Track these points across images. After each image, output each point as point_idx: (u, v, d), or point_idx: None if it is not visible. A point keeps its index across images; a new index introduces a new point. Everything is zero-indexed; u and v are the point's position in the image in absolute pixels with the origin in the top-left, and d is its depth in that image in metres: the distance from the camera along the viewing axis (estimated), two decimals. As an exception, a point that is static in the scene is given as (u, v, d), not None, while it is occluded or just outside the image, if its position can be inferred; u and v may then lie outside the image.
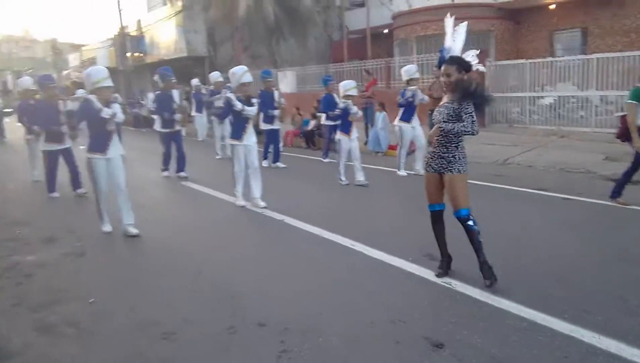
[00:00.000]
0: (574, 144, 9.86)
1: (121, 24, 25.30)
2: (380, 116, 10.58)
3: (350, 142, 7.45)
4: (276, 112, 9.08)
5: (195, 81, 14.33)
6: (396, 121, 8.15)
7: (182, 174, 8.59)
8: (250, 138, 6.24)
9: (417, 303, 3.49)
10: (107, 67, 21.72)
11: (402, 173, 8.14)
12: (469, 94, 3.55)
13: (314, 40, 25.57)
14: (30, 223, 6.13)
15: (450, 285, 3.71)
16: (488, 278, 3.59)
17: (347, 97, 7.30)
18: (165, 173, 8.88)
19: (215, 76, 11.38)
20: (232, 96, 6.11)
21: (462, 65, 3.63)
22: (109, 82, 5.13)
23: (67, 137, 7.23)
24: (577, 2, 16.63)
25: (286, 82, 19.64)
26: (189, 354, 2.92)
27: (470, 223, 3.60)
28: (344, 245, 4.74)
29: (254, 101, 6.32)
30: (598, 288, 3.60)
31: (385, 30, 22.35)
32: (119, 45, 26.16)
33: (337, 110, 7.48)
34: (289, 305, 3.50)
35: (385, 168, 8.91)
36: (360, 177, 7.45)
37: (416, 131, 8.10)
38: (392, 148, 10.62)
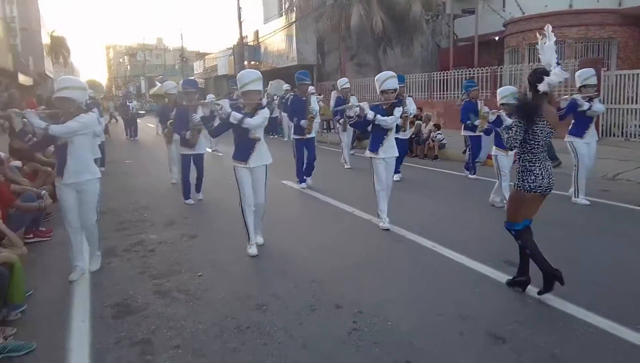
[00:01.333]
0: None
1: (241, 34, 27.25)
2: (480, 126, 10.45)
3: (509, 159, 6.39)
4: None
5: (311, 89, 14.02)
6: (567, 137, 6.79)
7: (308, 180, 8.23)
8: (389, 150, 5.57)
9: (488, 303, 3.65)
10: (224, 75, 23.46)
11: (582, 200, 6.61)
12: (516, 108, 3.68)
13: (421, 48, 25.56)
14: (155, 208, 7.11)
15: (524, 290, 3.80)
16: (545, 288, 3.56)
17: (503, 106, 6.15)
18: (303, 185, 8.15)
19: (343, 82, 10.60)
20: (365, 105, 5.39)
21: (530, 78, 3.65)
22: (256, 86, 4.72)
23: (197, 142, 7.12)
24: None
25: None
26: (274, 322, 3.40)
27: (514, 235, 3.70)
28: (426, 246, 4.97)
29: (397, 110, 5.46)
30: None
31: (496, 38, 21.73)
32: (238, 54, 28.15)
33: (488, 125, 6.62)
34: (365, 293, 3.84)
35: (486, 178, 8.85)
36: (496, 197, 6.59)
37: (591, 149, 6.72)
38: (490, 158, 10.47)
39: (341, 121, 10.03)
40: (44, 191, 5.66)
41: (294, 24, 24.28)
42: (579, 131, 6.65)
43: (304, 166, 8.19)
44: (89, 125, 4.21)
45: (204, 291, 4.00)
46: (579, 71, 6.89)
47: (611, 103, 12.11)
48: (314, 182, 8.37)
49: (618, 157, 9.89)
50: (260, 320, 3.44)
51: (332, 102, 8.20)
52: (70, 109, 4.10)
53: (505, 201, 5.77)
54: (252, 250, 4.83)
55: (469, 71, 16.59)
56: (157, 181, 9.44)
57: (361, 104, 5.44)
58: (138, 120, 20.97)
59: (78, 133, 4.10)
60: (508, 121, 5.74)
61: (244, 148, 4.79)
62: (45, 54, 30.48)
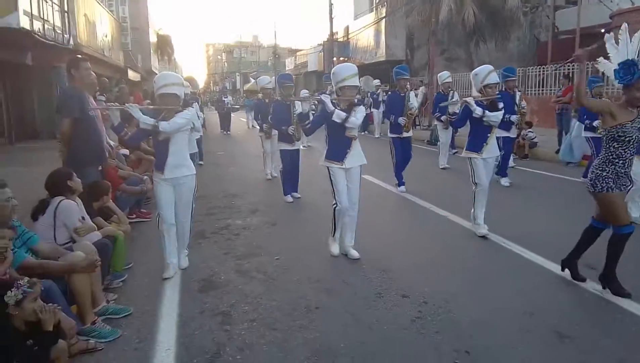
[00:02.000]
0: None
1: (331, 30, 27.69)
2: (575, 124, 9.88)
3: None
4: (514, 117, 7.74)
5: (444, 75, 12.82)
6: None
7: (402, 188, 7.62)
8: (493, 150, 5.26)
9: (559, 302, 3.58)
10: (314, 71, 23.87)
11: None
12: None
13: (518, 41, 24.37)
14: (242, 196, 7.61)
15: (600, 293, 3.67)
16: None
17: None
18: (402, 188, 7.59)
19: (444, 76, 9.92)
20: (471, 100, 5.08)
21: None
22: (354, 81, 4.53)
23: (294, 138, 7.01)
24: None
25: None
26: (342, 306, 3.60)
27: (621, 239, 3.59)
28: (501, 244, 4.91)
29: (501, 105, 5.20)
30: None
31: (602, 30, 20.17)
32: (327, 50, 28.65)
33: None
34: (432, 286, 3.92)
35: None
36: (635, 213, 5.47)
37: None
38: (587, 157, 9.87)
39: (443, 118, 9.22)
40: (145, 177, 6.31)
41: (384, 19, 24.24)
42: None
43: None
44: (192, 120, 4.26)
45: (280, 273, 4.30)
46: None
47: None
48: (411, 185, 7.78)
49: None
50: (330, 303, 3.66)
51: (419, 99, 7.58)
52: (175, 105, 4.12)
53: None
54: (335, 249, 4.73)
55: (566, 65, 15.58)
56: (246, 172, 10.01)
57: (467, 99, 5.14)
58: (232, 114, 22.10)
59: (183, 129, 4.13)
60: None
61: (340, 147, 4.56)
62: (152, 51, 33.02)
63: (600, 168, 3.58)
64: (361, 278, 4.14)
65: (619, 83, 3.57)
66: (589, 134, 7.61)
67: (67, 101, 4.59)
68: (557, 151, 10.43)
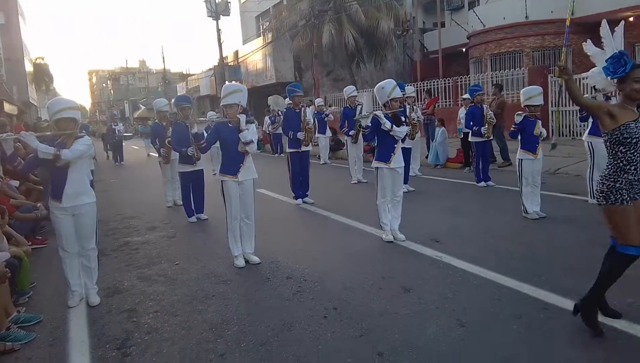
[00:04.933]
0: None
1: (221, 55, 28.23)
2: (439, 131, 11.42)
3: (535, 163, 6.17)
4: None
5: (319, 101, 13.66)
6: (585, 136, 6.72)
7: (309, 200, 7.98)
8: (400, 160, 5.49)
9: (407, 268, 4.52)
10: (207, 95, 24.01)
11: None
12: None
13: (394, 62, 26.77)
14: (139, 217, 7.90)
15: (440, 257, 4.68)
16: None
17: (528, 107, 6.10)
18: (299, 201, 7.97)
19: (350, 90, 10.28)
20: (380, 113, 5.30)
21: None
22: (233, 99, 4.74)
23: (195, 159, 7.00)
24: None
25: (364, 103, 20.91)
26: (236, 291, 4.24)
27: (625, 259, 3.10)
28: (366, 231, 5.84)
29: (404, 119, 5.53)
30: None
31: (463, 49, 22.97)
32: (218, 74, 29.08)
33: (514, 126, 6.16)
34: (312, 267, 4.68)
35: (461, 180, 9.74)
36: (536, 206, 6.20)
37: None
38: (450, 160, 11.44)
39: (351, 132, 9.65)
40: (39, 204, 6.44)
41: (271, 44, 25.34)
42: (600, 131, 6.71)
43: (300, 181, 8.00)
44: (91, 147, 4.16)
45: (179, 275, 4.82)
46: (593, 70, 6.44)
47: (559, 106, 13.17)
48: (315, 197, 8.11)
49: (563, 154, 10.88)
50: (224, 291, 4.27)
51: (310, 117, 7.86)
52: (74, 130, 4.02)
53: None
54: (239, 262, 4.89)
55: (435, 81, 17.66)
56: (141, 196, 10.21)
57: (376, 112, 5.36)
58: (123, 143, 21.57)
59: (83, 156, 4.06)
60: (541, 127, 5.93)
61: (233, 161, 4.83)
62: (28, 82, 31.16)
63: (612, 179, 3.09)
64: (252, 268, 4.81)
65: (612, 78, 3.24)
66: (476, 139, 8.58)
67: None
68: (427, 156, 11.90)
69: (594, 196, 6.56)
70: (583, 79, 11.29)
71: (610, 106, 3.15)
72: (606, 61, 3.23)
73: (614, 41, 3.62)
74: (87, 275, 4.24)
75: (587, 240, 5.09)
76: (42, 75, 38.21)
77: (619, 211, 3.05)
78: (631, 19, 16.98)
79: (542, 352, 2.96)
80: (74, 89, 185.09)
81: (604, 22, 3.72)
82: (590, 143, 6.57)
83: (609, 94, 6.45)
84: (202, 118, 5.28)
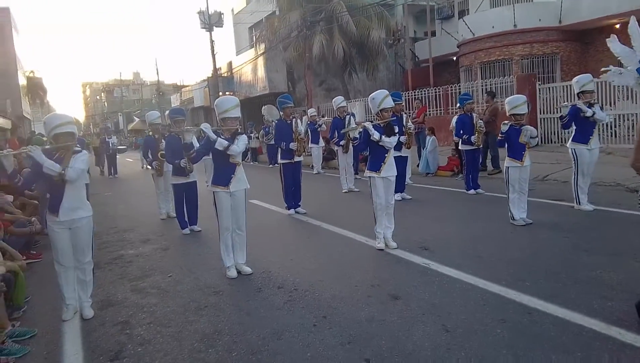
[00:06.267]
0: (615, 160, 10.16)
1: (214, 66, 28.40)
2: (429, 140, 11.57)
3: (522, 170, 6.30)
4: (402, 138, 8.06)
5: (311, 111, 13.98)
6: (569, 143, 6.90)
7: (301, 210, 8.06)
8: (390, 169, 5.54)
9: (396, 276, 4.61)
10: (201, 106, 23.96)
11: (587, 206, 6.70)
12: None
13: (386, 71, 27.03)
14: (133, 230, 7.96)
15: (427, 265, 4.78)
16: None
17: (513, 116, 6.26)
18: (291, 211, 8.07)
19: (339, 101, 10.48)
20: (369, 125, 5.44)
21: None
22: (234, 113, 4.91)
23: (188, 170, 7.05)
24: (644, 19, 16.51)
25: (356, 112, 21.09)
26: (228, 301, 4.32)
27: None
28: (356, 239, 5.94)
29: (396, 129, 5.57)
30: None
31: (454, 58, 23.23)
32: (212, 85, 29.24)
33: (501, 135, 6.29)
34: (303, 277, 4.77)
35: (451, 188, 9.86)
36: (523, 213, 6.31)
37: (593, 155, 6.73)
38: (441, 168, 11.58)
39: (342, 143, 9.87)
40: (33, 219, 6.50)
41: (264, 54, 25.53)
42: (583, 138, 6.63)
43: (293, 191, 8.07)
44: (88, 162, 4.23)
45: (172, 286, 4.89)
46: (577, 77, 6.91)
47: (547, 113, 13.37)
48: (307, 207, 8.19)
49: (552, 161, 11.05)
50: (217, 301, 4.35)
51: (302, 128, 7.93)
52: (73, 144, 4.11)
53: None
54: (232, 272, 4.94)
55: (426, 90, 17.85)
56: (136, 209, 10.27)
57: (365, 124, 5.49)
58: (117, 155, 21.54)
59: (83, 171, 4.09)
60: (530, 130, 6.10)
61: (225, 173, 4.90)
62: (22, 95, 31.15)
63: None
64: (244, 278, 4.88)
65: None
66: (466, 148, 8.68)
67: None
68: (418, 165, 12.03)
69: (579, 202, 6.74)
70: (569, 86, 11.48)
71: None
72: None
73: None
74: (82, 289, 4.30)
75: (572, 245, 5.21)
76: (36, 88, 38.18)
77: None
78: (617, 26, 17.24)
79: (525, 355, 3.06)
80: (67, 102, 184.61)
81: (633, 20, 3.51)
82: (574, 149, 6.74)
83: (591, 101, 6.65)
84: (188, 127, 5.36)
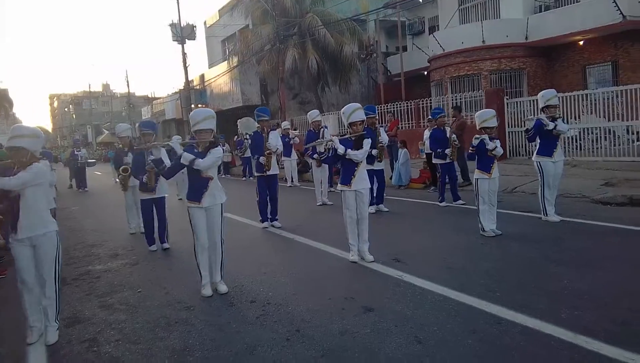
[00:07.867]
0: (581, 173, 10.49)
1: (187, 79, 28.21)
2: (401, 153, 11.71)
3: (491, 183, 6.40)
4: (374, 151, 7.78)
5: (285, 123, 14.02)
6: (534, 156, 7.09)
7: (277, 224, 8.00)
8: (361, 182, 5.54)
9: (369, 288, 4.62)
10: (172, 119, 23.70)
11: (554, 217, 6.85)
12: None
13: (359, 85, 27.32)
14: (102, 245, 7.77)
15: (401, 276, 4.81)
16: None
17: (484, 130, 6.37)
18: (265, 224, 7.99)
19: (314, 114, 10.54)
20: (336, 139, 5.46)
21: None
22: (207, 125, 4.72)
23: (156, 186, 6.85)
24: (605, 37, 17.19)
25: (329, 126, 21.23)
26: (199, 317, 4.23)
27: None
28: (327, 251, 5.94)
29: (367, 142, 5.49)
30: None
31: (425, 73, 23.67)
32: (184, 98, 28.99)
33: (472, 148, 6.42)
34: (275, 290, 4.73)
35: (423, 200, 9.96)
36: (492, 224, 6.40)
37: (558, 167, 6.91)
38: (414, 181, 11.72)
39: (315, 156, 9.89)
40: (-2, 234, 6.28)
41: (238, 67, 25.50)
42: (547, 151, 6.85)
43: (268, 205, 8.00)
44: (42, 175, 3.93)
45: (142, 302, 4.78)
46: (542, 92, 7.08)
47: (515, 126, 13.72)
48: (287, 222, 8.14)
49: (520, 173, 11.31)
50: (187, 317, 4.27)
51: (273, 141, 7.79)
52: (23, 159, 3.87)
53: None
54: (207, 291, 4.78)
55: (398, 103, 18.11)
56: (104, 223, 10.04)
57: (332, 138, 5.50)
58: (87, 169, 21.06)
59: (30, 184, 3.84)
60: (494, 144, 6.20)
61: (197, 187, 4.75)
62: (-13, 107, 30.30)
63: None
64: (216, 294, 4.81)
65: None
66: (439, 161, 8.84)
67: None
68: (391, 177, 12.14)
69: (547, 214, 6.91)
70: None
71: None
72: None
73: None
74: (48, 311, 4.03)
75: (541, 256, 5.33)
76: (1, 100, 37.25)
77: None
78: (581, 42, 17.91)
79: (494, 365, 3.10)
80: (34, 114, 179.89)
81: None
82: (539, 162, 6.93)
83: (555, 115, 6.86)
84: (155, 143, 5.24)
